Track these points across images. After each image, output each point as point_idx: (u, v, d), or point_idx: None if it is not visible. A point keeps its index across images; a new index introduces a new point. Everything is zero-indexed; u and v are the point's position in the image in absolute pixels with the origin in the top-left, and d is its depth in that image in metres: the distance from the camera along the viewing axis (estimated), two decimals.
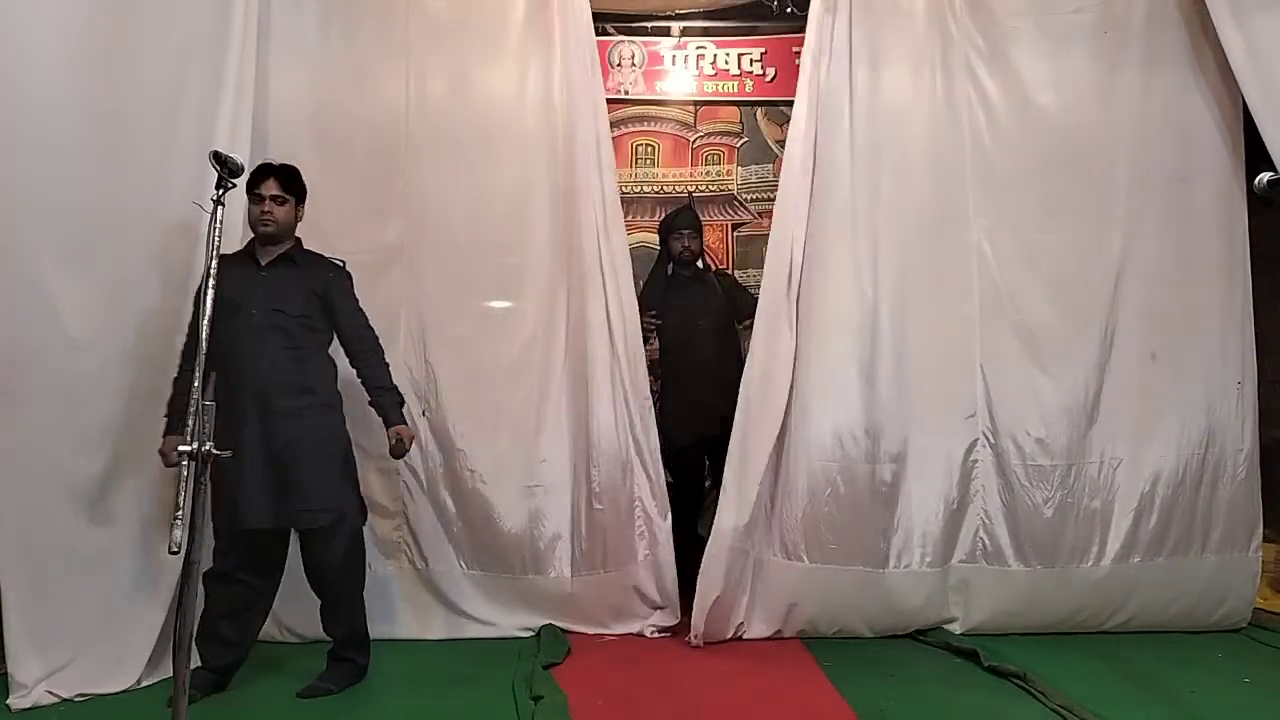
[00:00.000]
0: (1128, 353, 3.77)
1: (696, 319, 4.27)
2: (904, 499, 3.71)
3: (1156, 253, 3.79)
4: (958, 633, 3.71)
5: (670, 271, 4.38)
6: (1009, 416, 3.75)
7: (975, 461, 3.75)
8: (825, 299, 3.71)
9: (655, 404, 3.97)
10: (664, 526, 3.79)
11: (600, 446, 3.71)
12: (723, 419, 4.00)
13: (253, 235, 3.17)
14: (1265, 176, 2.40)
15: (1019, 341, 3.77)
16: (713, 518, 3.80)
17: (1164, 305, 3.79)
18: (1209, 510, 3.77)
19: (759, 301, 3.75)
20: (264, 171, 3.13)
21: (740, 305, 4.36)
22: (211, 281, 2.28)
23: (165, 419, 3.03)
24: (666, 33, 6.12)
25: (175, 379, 3.03)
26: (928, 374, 3.74)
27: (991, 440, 3.76)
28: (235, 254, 3.16)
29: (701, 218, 6.16)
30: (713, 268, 4.59)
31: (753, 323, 4.18)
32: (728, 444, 3.97)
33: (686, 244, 4.35)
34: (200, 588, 2.88)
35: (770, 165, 6.33)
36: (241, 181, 2.69)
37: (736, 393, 4.02)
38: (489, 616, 3.76)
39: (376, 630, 3.40)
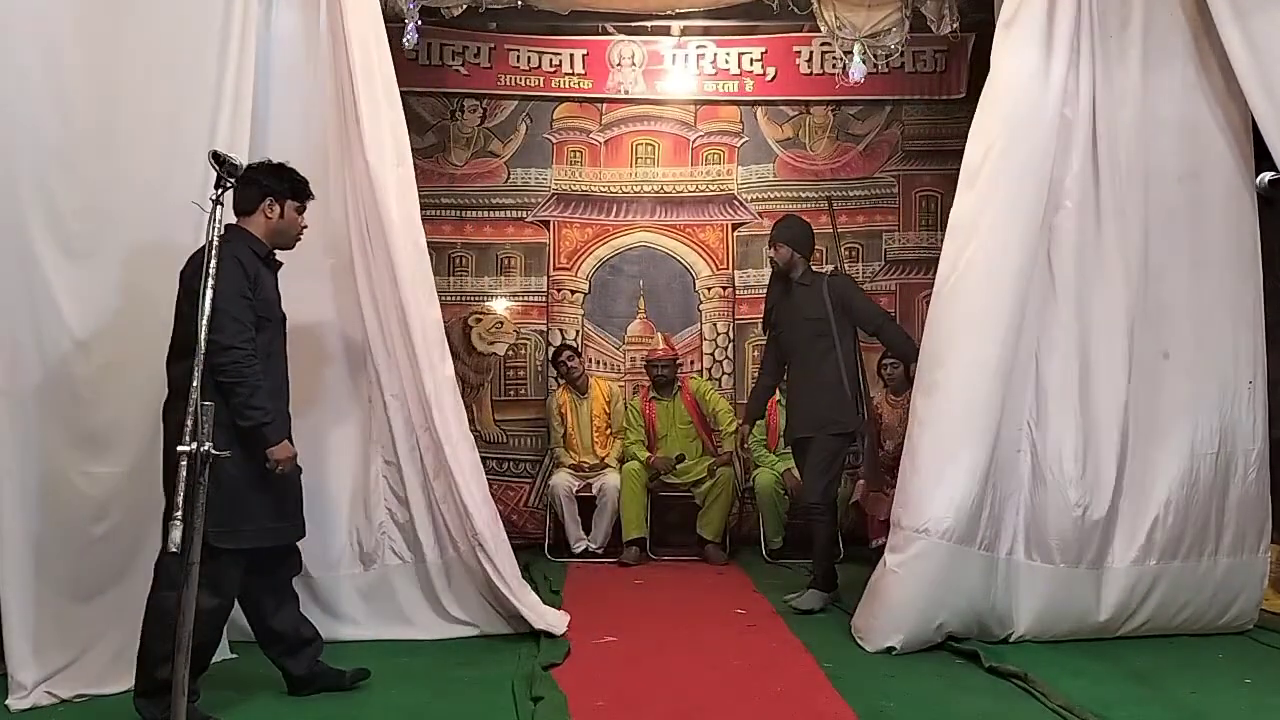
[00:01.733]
0: (1144, 353, 3.73)
1: (796, 326, 4.46)
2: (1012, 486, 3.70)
3: (1170, 251, 3.76)
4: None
5: (784, 280, 4.59)
6: (1050, 411, 3.70)
7: (1019, 452, 3.70)
8: (974, 280, 3.68)
9: None
10: (484, 512, 3.71)
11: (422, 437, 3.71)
12: (816, 422, 4.28)
13: (274, 243, 3.01)
14: (1266, 176, 2.41)
15: (1064, 337, 3.72)
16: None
17: (1178, 304, 3.76)
18: (1221, 512, 3.73)
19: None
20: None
21: (856, 310, 4.43)
22: (210, 282, 2.29)
23: (266, 424, 2.76)
24: (666, 32, 6.12)
25: (257, 385, 2.74)
26: (1019, 364, 3.71)
27: (1033, 435, 3.70)
28: (250, 254, 2.89)
29: (699, 218, 6.22)
30: (829, 273, 4.82)
31: (878, 329, 4.41)
32: (808, 443, 4.29)
33: (769, 255, 4.60)
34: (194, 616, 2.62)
35: (771, 165, 6.34)
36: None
37: (828, 396, 4.26)
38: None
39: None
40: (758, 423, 5.78)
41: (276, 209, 2.96)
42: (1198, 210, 3.78)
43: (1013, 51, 3.72)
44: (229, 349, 2.68)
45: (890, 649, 3.52)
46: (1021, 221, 3.64)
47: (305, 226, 3.09)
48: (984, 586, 3.61)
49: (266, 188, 2.93)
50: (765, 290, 4.80)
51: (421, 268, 3.76)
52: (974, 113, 5.95)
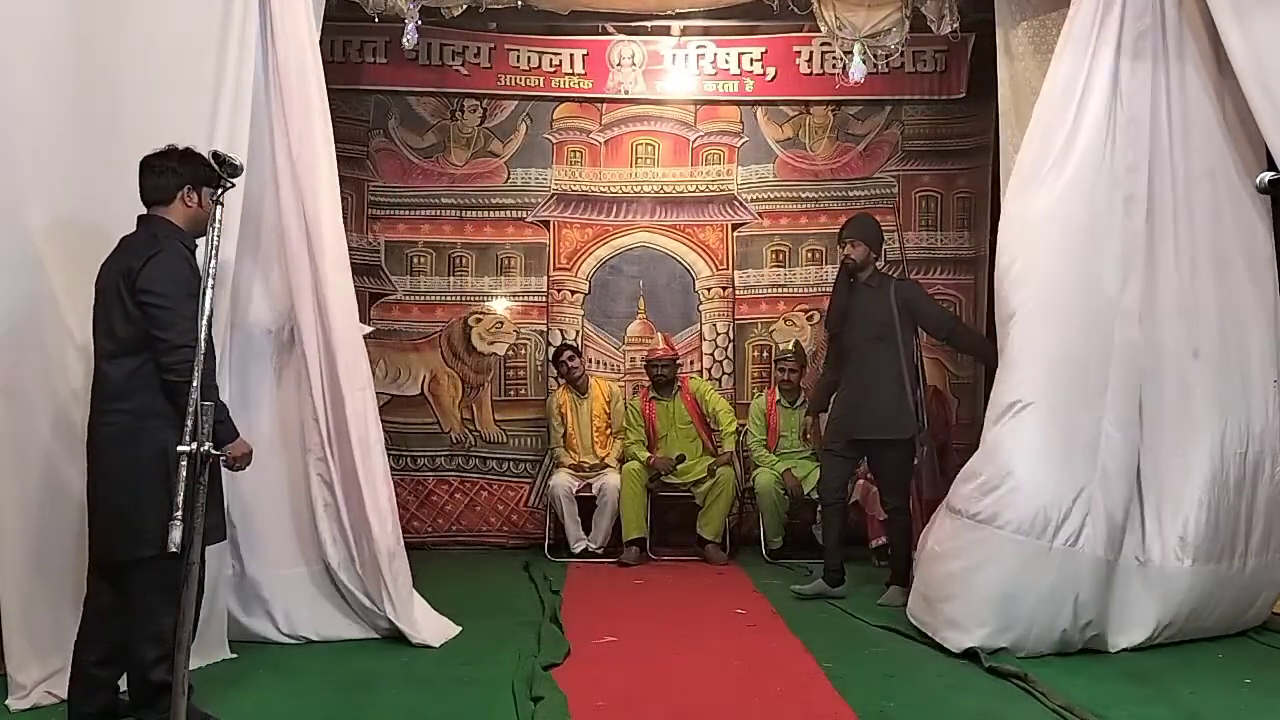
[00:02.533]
0: (1181, 351, 3.70)
1: (860, 327, 4.47)
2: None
3: (1199, 248, 3.74)
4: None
5: (850, 279, 4.58)
6: (1127, 406, 3.64)
7: (1106, 440, 3.61)
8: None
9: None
10: (386, 522, 3.69)
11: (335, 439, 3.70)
12: (874, 426, 4.32)
13: (193, 232, 2.84)
14: (1265, 176, 2.40)
15: (1130, 334, 3.68)
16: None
17: (1205, 303, 3.73)
18: (1251, 512, 3.69)
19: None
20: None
21: (924, 316, 4.45)
22: (210, 281, 2.29)
23: (220, 422, 2.68)
24: (666, 32, 6.11)
25: (209, 385, 2.58)
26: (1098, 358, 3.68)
27: (1111, 429, 3.62)
28: (192, 252, 2.80)
29: (699, 218, 6.22)
30: (897, 276, 4.93)
31: (950, 334, 4.46)
32: (877, 450, 4.35)
33: (846, 252, 4.55)
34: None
35: (771, 165, 6.34)
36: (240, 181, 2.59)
37: (890, 400, 4.28)
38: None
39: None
40: (758, 424, 5.80)
41: (195, 196, 2.81)
42: (1220, 208, 3.75)
43: (1071, 54, 3.71)
44: (180, 348, 2.56)
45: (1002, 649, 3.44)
46: (1087, 218, 3.61)
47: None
48: (1091, 586, 3.52)
49: (183, 175, 2.78)
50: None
51: (342, 276, 3.73)
52: (974, 113, 6.05)
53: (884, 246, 4.68)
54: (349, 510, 3.67)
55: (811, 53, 6.17)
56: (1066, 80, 3.71)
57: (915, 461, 4.50)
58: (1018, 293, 3.70)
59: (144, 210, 2.82)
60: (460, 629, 3.85)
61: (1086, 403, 3.60)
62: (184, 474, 2.14)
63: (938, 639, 3.58)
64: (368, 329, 4.18)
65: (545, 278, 6.28)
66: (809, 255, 6.27)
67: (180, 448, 2.13)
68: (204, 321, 2.27)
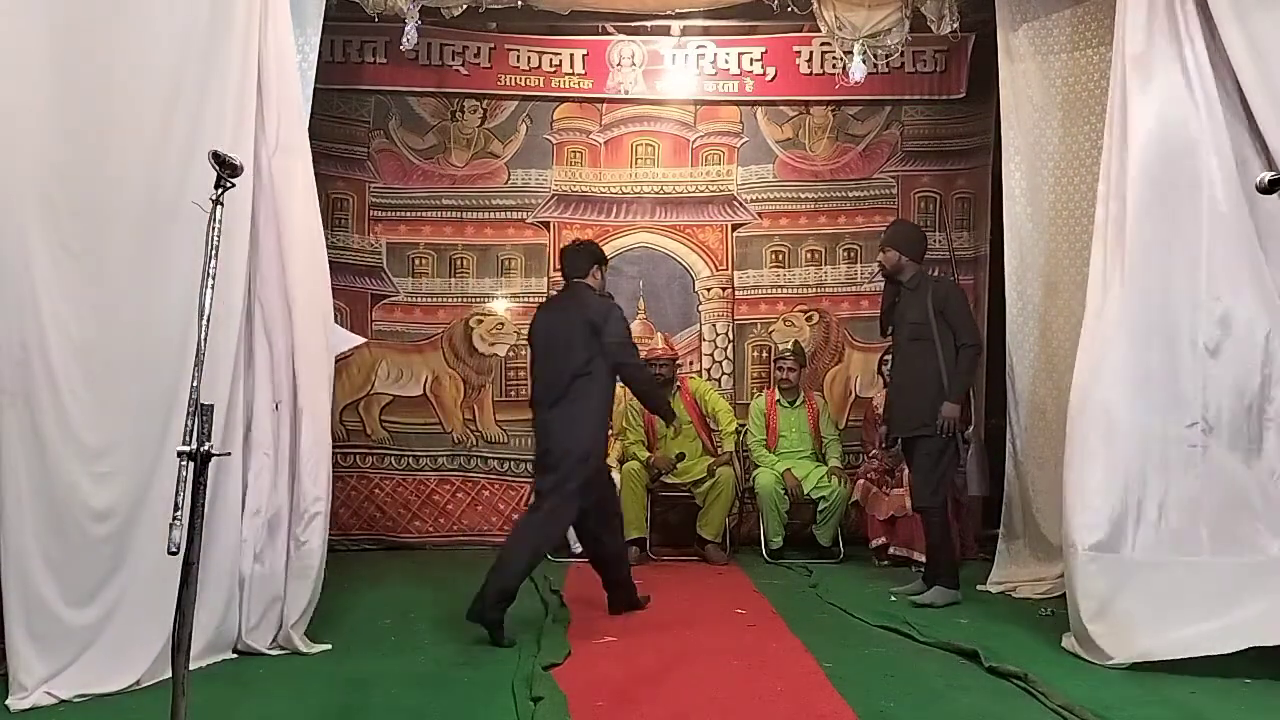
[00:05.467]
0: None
1: (903, 329, 4.61)
2: None
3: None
4: None
5: (895, 283, 4.70)
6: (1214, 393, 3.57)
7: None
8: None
9: None
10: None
11: None
12: (908, 424, 4.46)
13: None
14: (1266, 176, 2.41)
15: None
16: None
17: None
18: None
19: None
20: None
21: (950, 320, 4.47)
22: (211, 281, 2.28)
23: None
24: (666, 32, 6.12)
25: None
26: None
27: (1204, 421, 3.54)
28: None
29: (699, 218, 6.22)
30: (938, 276, 5.03)
31: (959, 349, 4.44)
32: (910, 446, 4.44)
33: (878, 259, 4.73)
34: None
35: (771, 165, 6.34)
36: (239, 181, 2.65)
37: (924, 398, 4.37)
38: None
39: None
40: (758, 423, 5.80)
41: (598, 273, 4.21)
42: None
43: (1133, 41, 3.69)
44: (643, 367, 4.45)
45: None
46: (1184, 229, 3.57)
47: None
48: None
49: (590, 258, 4.20)
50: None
51: (310, 287, 3.74)
52: (974, 113, 6.05)
53: (925, 252, 4.70)
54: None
55: (811, 53, 6.17)
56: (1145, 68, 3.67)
57: (961, 462, 4.59)
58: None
59: (147, 210, 3.01)
60: None
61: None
62: (183, 474, 2.13)
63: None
64: (356, 340, 4.20)
65: (546, 279, 6.29)
66: (809, 256, 6.27)
67: (180, 448, 2.13)
68: (203, 321, 2.27)
